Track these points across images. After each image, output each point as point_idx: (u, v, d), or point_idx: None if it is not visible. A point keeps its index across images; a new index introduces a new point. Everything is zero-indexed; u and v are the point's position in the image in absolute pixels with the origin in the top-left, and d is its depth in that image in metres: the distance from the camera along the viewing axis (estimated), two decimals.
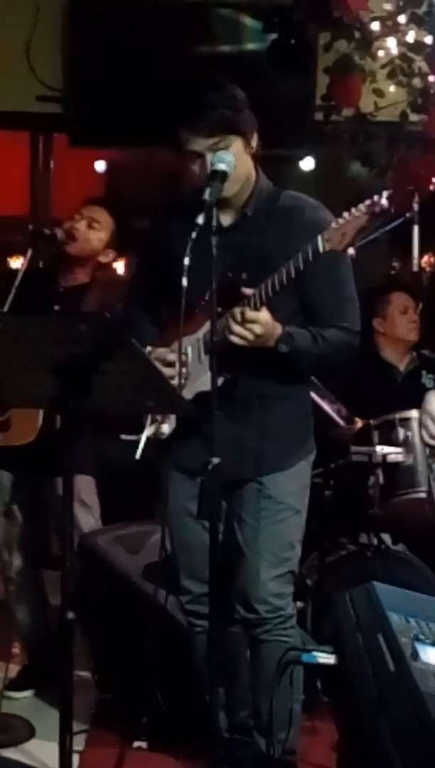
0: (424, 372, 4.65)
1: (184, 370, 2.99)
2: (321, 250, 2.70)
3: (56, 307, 3.84)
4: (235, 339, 2.84)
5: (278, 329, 2.89)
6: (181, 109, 2.94)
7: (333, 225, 2.69)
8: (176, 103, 2.97)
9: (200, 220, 2.72)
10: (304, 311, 3.01)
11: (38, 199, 6.18)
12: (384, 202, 2.64)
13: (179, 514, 3.09)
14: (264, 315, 2.84)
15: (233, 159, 2.87)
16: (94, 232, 3.91)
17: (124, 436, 3.60)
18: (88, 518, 3.93)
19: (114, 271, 6.71)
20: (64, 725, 2.66)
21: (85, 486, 3.93)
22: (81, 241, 3.89)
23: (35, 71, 5.64)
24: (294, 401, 3.12)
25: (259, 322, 2.83)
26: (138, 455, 3.12)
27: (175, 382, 2.90)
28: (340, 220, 2.68)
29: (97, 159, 6.59)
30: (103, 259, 3.96)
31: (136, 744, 3.45)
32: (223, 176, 2.83)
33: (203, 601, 2.99)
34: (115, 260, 4.05)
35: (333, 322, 2.99)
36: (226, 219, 3.02)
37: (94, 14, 5.54)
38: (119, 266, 7.19)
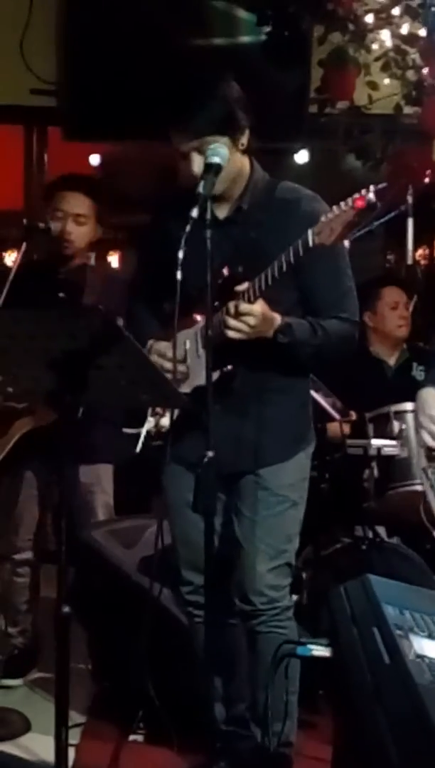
0: (414, 364, 4.63)
1: (182, 363, 3.00)
2: (311, 244, 2.70)
3: (61, 294, 3.85)
4: (230, 333, 2.84)
5: (277, 320, 2.89)
6: (169, 109, 2.94)
7: (322, 219, 2.69)
8: (167, 101, 2.97)
9: (194, 213, 2.71)
10: (303, 303, 3.02)
11: (32, 192, 6.16)
12: (371, 196, 2.62)
13: (180, 506, 3.07)
14: (258, 307, 2.84)
15: (227, 152, 2.87)
16: (84, 227, 3.92)
17: (125, 430, 3.61)
18: (106, 505, 4.02)
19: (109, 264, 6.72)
20: (59, 719, 2.67)
21: (106, 473, 4.01)
22: (77, 241, 3.92)
23: (29, 64, 5.62)
24: (293, 394, 3.12)
25: (252, 315, 2.83)
26: (138, 448, 3.12)
27: (171, 374, 2.90)
28: (329, 215, 2.68)
29: (92, 153, 6.59)
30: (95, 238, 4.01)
31: (132, 737, 3.45)
32: (217, 169, 2.82)
33: (204, 592, 2.98)
34: (101, 234, 4.05)
35: (333, 313, 3.00)
36: (222, 212, 3.02)
37: (88, 7, 5.53)
38: (114, 260, 7.22)
